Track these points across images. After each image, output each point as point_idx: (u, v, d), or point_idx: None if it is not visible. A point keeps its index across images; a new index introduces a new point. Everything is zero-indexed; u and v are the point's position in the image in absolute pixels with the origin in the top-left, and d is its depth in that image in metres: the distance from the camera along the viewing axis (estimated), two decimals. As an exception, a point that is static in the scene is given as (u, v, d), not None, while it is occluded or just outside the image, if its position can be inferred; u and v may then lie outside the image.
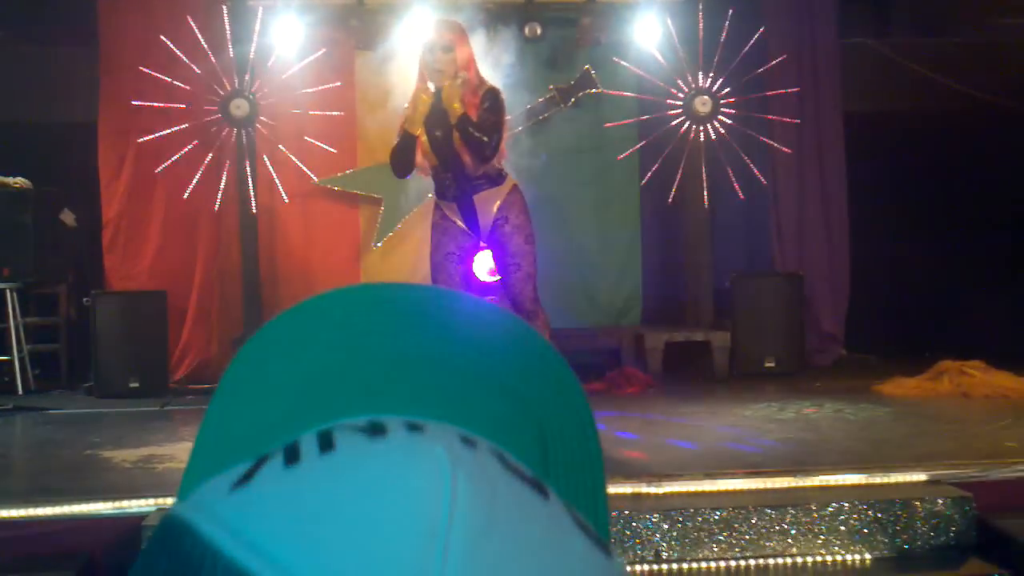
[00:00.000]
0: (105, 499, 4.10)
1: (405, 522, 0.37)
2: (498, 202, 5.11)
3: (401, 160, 5.13)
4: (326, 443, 0.40)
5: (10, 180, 7.81)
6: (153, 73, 7.79)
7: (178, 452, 5.24)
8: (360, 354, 0.48)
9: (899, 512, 4.09)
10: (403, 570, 0.36)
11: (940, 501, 4.10)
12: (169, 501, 4.02)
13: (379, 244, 8.42)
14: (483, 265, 6.94)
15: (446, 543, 0.37)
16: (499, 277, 5.38)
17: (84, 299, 7.76)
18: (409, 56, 7.91)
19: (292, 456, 0.40)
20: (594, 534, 0.42)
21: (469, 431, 0.43)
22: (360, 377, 0.47)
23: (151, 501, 4.05)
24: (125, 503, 4.05)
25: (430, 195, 8.22)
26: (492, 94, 5.01)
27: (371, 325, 0.49)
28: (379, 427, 0.41)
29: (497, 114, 5.00)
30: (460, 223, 5.15)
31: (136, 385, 7.49)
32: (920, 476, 4.36)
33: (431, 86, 4.96)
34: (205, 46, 7.84)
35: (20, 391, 7.72)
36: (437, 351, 0.48)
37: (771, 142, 8.29)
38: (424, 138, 5.01)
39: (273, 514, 0.38)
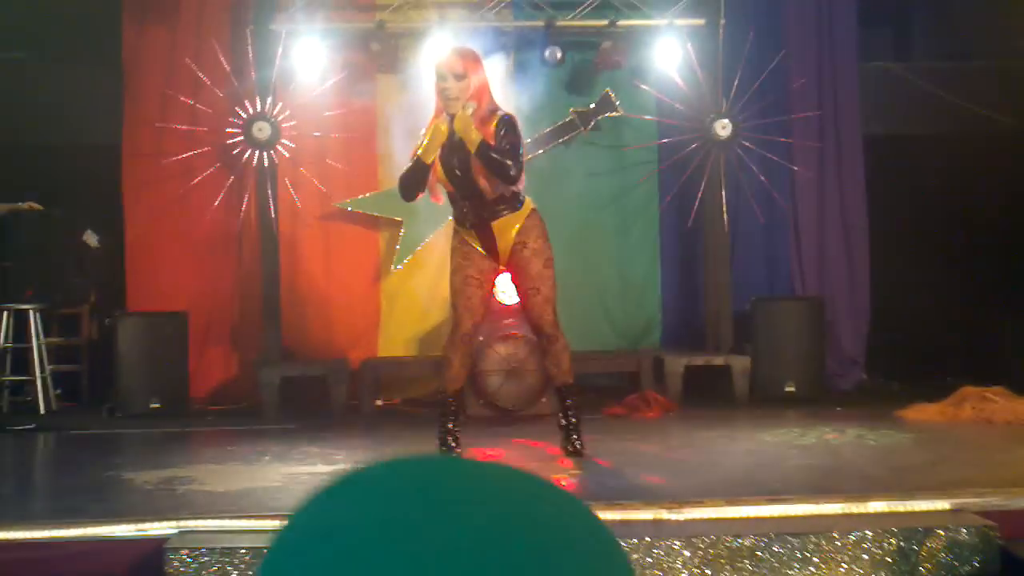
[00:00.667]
0: (127, 521, 4.11)
1: None
2: (517, 226, 5.12)
3: (408, 186, 5.17)
4: None
5: (22, 205, 7.80)
6: (176, 96, 7.86)
7: (199, 474, 5.25)
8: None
9: (922, 541, 4.05)
10: None
11: (964, 530, 4.06)
12: (191, 523, 4.03)
13: (399, 267, 8.44)
14: (503, 289, 6.96)
15: None
16: (517, 301, 5.40)
17: (106, 320, 7.81)
18: (430, 80, 7.98)
19: None
20: None
21: None
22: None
23: (173, 523, 4.05)
24: (147, 525, 4.06)
25: (450, 218, 8.24)
26: (507, 120, 5.03)
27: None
28: None
29: (515, 138, 5.02)
30: (479, 248, 5.17)
31: (157, 406, 7.52)
32: (943, 504, 4.32)
33: (446, 115, 4.99)
34: (228, 69, 7.91)
35: (42, 411, 7.76)
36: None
37: (791, 165, 8.29)
38: (440, 166, 5.03)
39: None
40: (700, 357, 8.01)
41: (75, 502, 4.65)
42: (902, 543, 4.05)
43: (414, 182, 5.12)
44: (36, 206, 7.77)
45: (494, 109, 5.07)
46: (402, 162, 8.13)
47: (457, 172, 5.03)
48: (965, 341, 8.40)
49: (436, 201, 5.29)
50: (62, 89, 8.23)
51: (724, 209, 8.18)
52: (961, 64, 9.01)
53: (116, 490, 5.01)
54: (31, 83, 8.27)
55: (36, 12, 8.17)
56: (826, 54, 8.61)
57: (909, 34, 9.73)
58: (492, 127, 4.97)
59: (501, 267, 5.24)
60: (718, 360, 7.91)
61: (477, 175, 4.99)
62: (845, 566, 4.05)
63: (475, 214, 5.11)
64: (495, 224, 5.11)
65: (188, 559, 3.74)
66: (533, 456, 5.63)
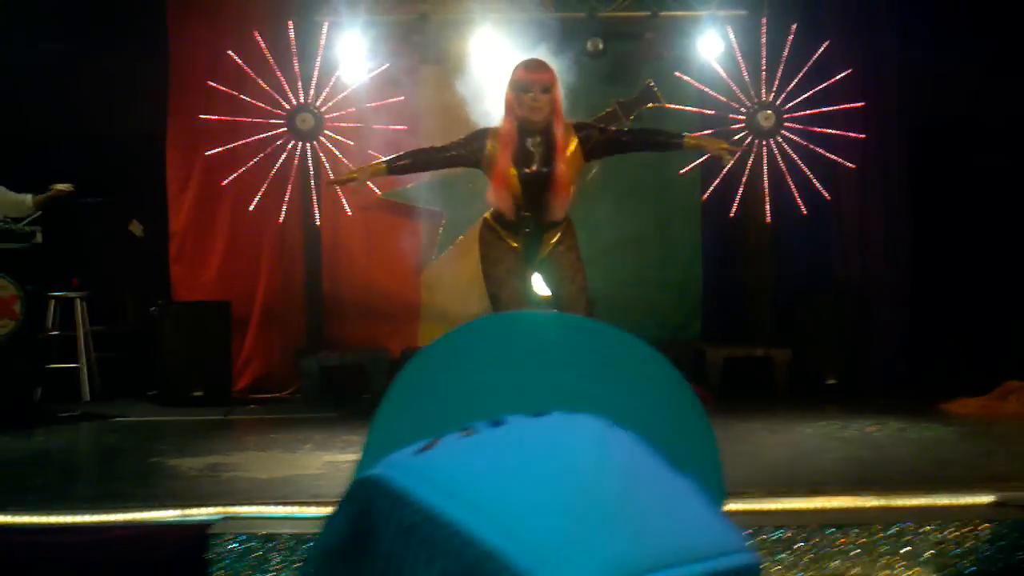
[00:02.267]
0: (171, 506, 4.17)
1: (566, 464, 0.44)
2: (558, 235, 5.20)
3: (416, 170, 5.35)
4: (495, 423, 0.49)
5: (58, 188, 7.43)
6: (220, 87, 7.93)
7: (242, 461, 5.31)
8: (517, 374, 0.57)
9: (964, 534, 4.02)
10: (570, 509, 0.42)
11: (1006, 524, 4.03)
12: (234, 509, 4.08)
13: (439, 256, 8.47)
14: (538, 283, 6.98)
15: (601, 483, 0.43)
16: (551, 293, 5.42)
17: (151, 308, 7.91)
18: (472, 70, 8.00)
19: (466, 431, 0.48)
20: (720, 514, 0.50)
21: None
22: (514, 394, 0.56)
23: (216, 509, 4.10)
24: (191, 511, 4.11)
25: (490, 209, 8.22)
26: (587, 127, 5.16)
27: (523, 354, 0.57)
28: (541, 413, 0.49)
29: (603, 134, 5.16)
30: (516, 246, 5.20)
31: (200, 394, 7.61)
32: (986, 498, 4.28)
33: (516, 124, 5.00)
34: (272, 61, 7.97)
35: (87, 398, 7.88)
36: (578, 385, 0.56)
37: (835, 157, 8.22)
38: (515, 176, 5.02)
39: (455, 464, 0.45)
40: (740, 349, 7.98)
41: (120, 488, 4.73)
42: (944, 536, 4.02)
43: (425, 167, 5.38)
44: (65, 188, 7.38)
45: (567, 120, 5.15)
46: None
47: (533, 187, 5.05)
48: (1010, 334, 8.29)
49: (500, 206, 5.22)
50: (108, 80, 8.32)
51: (767, 201, 8.14)
52: (1003, 52, 8.87)
53: (160, 476, 5.08)
54: (77, 74, 8.37)
55: (82, 3, 8.27)
56: (869, 45, 8.52)
57: (952, 24, 9.58)
58: (575, 139, 5.04)
59: (531, 269, 5.28)
60: (758, 352, 7.87)
61: (555, 197, 5.03)
62: (886, 558, 4.03)
63: (535, 225, 5.15)
64: (546, 235, 5.15)
65: (231, 544, 3.79)
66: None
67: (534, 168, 5.03)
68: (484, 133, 5.17)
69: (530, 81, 4.99)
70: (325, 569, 0.46)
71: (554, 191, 5.05)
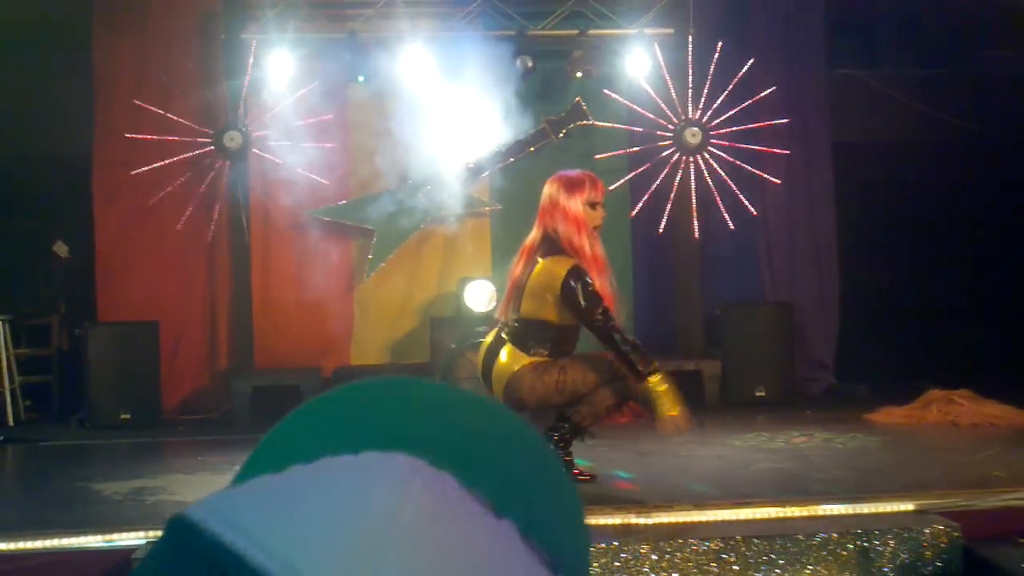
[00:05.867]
0: (95, 532, 4.10)
1: (362, 508, 0.45)
2: None
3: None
4: (309, 462, 0.50)
5: None
6: (147, 106, 7.85)
7: (169, 484, 5.25)
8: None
9: (887, 542, 4.11)
10: (352, 548, 0.43)
11: (927, 531, 4.12)
12: (159, 534, 4.02)
13: (371, 275, 8.44)
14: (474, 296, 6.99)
15: (393, 529, 0.44)
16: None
17: (76, 330, 7.78)
18: (401, 88, 8.01)
19: (280, 470, 0.50)
20: (546, 559, 0.49)
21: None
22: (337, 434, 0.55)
23: (141, 534, 4.05)
24: (115, 536, 4.05)
25: (421, 226, 8.31)
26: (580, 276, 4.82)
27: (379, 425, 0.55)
28: (356, 452, 0.50)
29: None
30: None
31: (128, 416, 7.49)
32: (908, 506, 4.38)
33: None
34: (199, 79, 7.90)
35: (11, 422, 7.72)
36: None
37: (761, 173, 8.35)
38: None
39: (248, 497, 0.47)
40: (671, 362, 8.01)
41: (43, 514, 4.64)
42: (866, 544, 4.10)
43: None
44: None
45: None
46: (373, 172, 8.22)
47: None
48: (932, 345, 8.47)
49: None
50: (31, 98, 8.19)
51: (694, 216, 8.24)
52: (928, 72, 9.11)
53: (85, 501, 5.00)
54: (1, 93, 8.23)
55: (5, 21, 8.14)
56: (794, 62, 8.68)
57: (877, 41, 9.82)
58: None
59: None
60: (689, 365, 7.95)
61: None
62: (811, 567, 4.09)
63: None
64: None
65: (156, 568, 3.73)
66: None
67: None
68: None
69: (602, 198, 4.90)
70: None
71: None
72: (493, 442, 0.54)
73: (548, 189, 4.94)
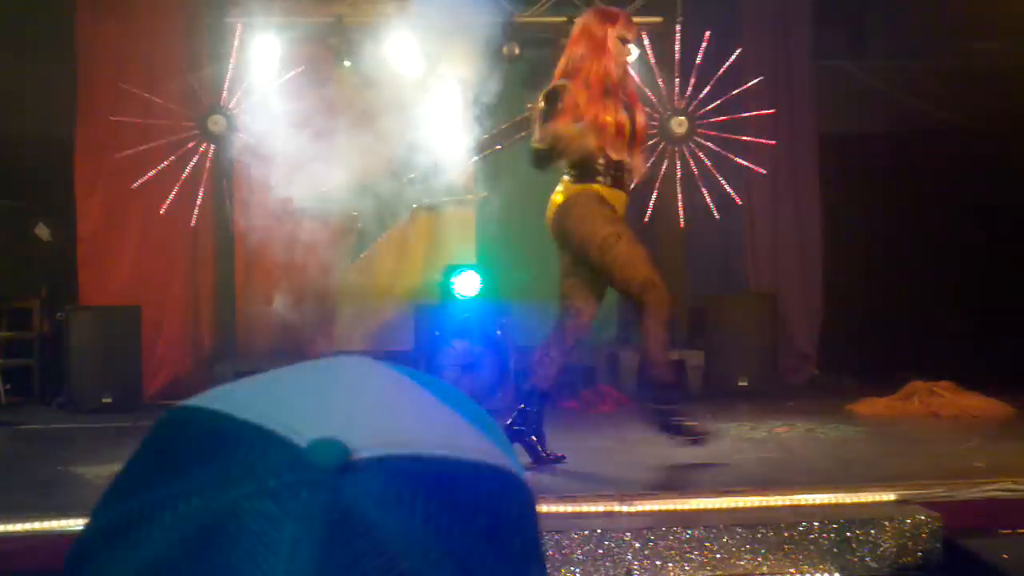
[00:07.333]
0: (76, 515, 4.08)
1: (337, 376, 0.58)
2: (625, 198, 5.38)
3: (554, 158, 5.15)
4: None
5: None
6: (131, 89, 7.79)
7: (151, 468, 5.21)
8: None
9: (868, 531, 4.12)
10: (337, 399, 0.53)
11: (908, 521, 4.13)
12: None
13: (355, 261, 8.42)
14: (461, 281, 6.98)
15: (365, 387, 0.55)
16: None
17: (58, 314, 7.73)
18: (387, 73, 7.97)
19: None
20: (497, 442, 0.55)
21: None
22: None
23: (122, 518, 4.02)
24: (96, 519, 4.03)
25: (407, 214, 8.26)
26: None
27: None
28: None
29: None
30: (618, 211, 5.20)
31: (109, 400, 7.46)
32: (889, 496, 4.39)
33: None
34: (183, 62, 7.85)
35: (-8, 405, 7.68)
36: None
37: (746, 163, 8.36)
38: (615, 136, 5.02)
39: (246, 385, 0.56)
40: (655, 352, 8.05)
41: (23, 497, 4.61)
42: (848, 534, 4.11)
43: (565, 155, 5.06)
44: None
45: None
46: (360, 157, 8.16)
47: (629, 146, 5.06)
48: (915, 336, 8.52)
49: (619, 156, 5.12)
50: (14, 80, 8.12)
51: (680, 206, 8.24)
52: (916, 64, 9.12)
53: (66, 485, 4.97)
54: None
55: (-13, 2, 8.07)
56: (781, 53, 8.69)
57: (864, 33, 9.83)
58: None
59: None
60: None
61: (641, 152, 5.14)
62: (793, 556, 4.10)
63: (627, 186, 5.19)
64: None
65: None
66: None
67: (632, 134, 5.01)
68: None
69: (632, 37, 5.04)
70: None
71: (640, 152, 5.12)
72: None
73: (581, 18, 5.11)
